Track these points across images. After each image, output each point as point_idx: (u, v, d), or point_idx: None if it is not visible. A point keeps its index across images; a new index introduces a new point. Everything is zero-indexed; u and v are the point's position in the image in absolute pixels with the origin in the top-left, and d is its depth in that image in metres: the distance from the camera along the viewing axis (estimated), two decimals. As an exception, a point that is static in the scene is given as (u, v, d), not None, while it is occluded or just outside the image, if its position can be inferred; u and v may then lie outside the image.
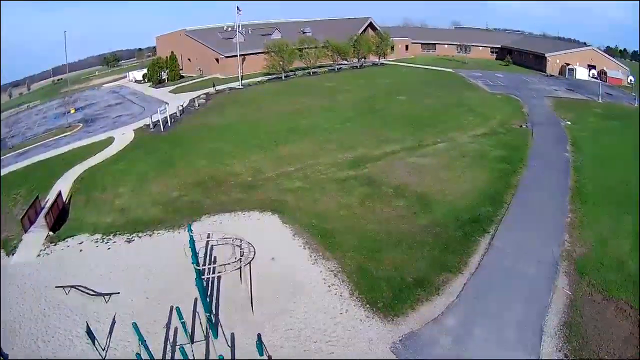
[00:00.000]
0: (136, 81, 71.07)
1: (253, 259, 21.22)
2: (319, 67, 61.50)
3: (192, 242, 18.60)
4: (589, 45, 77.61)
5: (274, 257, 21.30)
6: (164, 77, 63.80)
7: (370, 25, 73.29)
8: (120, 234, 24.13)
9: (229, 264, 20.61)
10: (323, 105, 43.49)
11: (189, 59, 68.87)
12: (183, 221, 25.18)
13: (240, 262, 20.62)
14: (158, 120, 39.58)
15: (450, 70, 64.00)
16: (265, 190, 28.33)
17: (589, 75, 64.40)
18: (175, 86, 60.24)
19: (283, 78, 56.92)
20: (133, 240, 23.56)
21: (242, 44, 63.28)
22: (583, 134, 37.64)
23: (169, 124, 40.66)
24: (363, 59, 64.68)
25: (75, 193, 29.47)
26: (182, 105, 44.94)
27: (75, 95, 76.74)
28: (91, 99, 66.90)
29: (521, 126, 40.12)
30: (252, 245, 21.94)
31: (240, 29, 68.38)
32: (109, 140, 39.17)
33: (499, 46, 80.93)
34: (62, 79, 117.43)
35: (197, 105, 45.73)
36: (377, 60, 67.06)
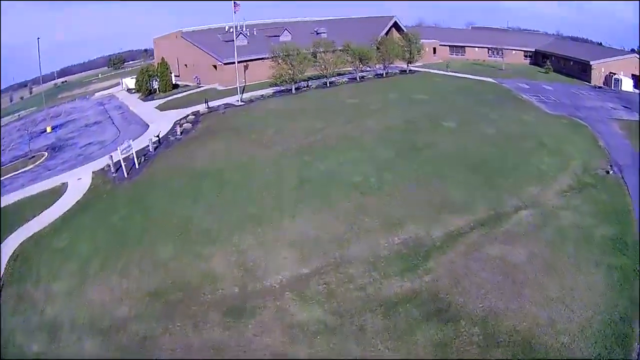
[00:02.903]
0: (128, 90, 57.27)
1: None
2: (337, 74, 46.61)
3: None
4: (635, 52, 62.19)
5: None
6: (155, 87, 49.97)
7: (395, 25, 58.14)
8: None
9: None
10: (347, 136, 28.91)
11: (186, 65, 54.65)
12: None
13: None
14: (120, 163, 26.05)
15: (491, 80, 48.75)
16: (261, 326, 14.77)
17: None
18: (165, 99, 45.96)
19: (293, 91, 42.20)
20: None
21: (245, 47, 48.89)
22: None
23: (136, 165, 27.09)
24: (389, 65, 49.68)
25: (8, 282, 18.78)
26: (157, 137, 31.11)
27: (62, 106, 63.68)
28: (74, 113, 53.68)
29: (608, 172, 26.21)
30: None
31: (243, 29, 54.08)
32: (60, 190, 25.96)
33: (533, 50, 65.43)
34: (65, 81, 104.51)
35: (179, 133, 31.87)
36: (406, 66, 51.64)
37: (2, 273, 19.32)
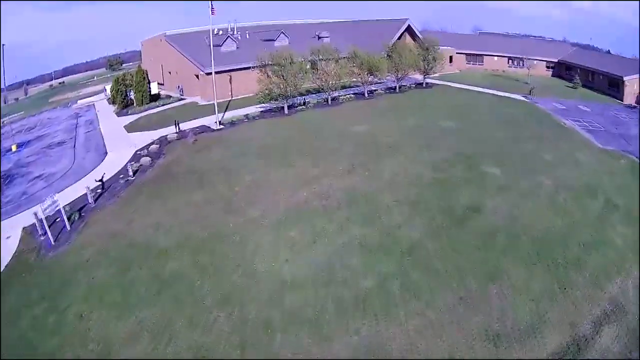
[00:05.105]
0: (109, 98, 47.80)
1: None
2: (342, 87, 36.08)
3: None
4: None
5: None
6: (132, 98, 40.45)
7: (408, 30, 47.13)
8: None
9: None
10: (354, 192, 18.69)
11: (170, 72, 44.89)
12: None
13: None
14: (56, 216, 17.24)
15: (521, 97, 38.23)
16: None
17: None
18: (140, 115, 35.95)
19: (285, 110, 31.74)
20: None
21: (232, 54, 38.73)
22: None
23: (68, 227, 17.90)
24: (402, 77, 38.66)
25: None
26: (100, 180, 21.23)
27: (43, 115, 53.87)
28: (48, 127, 44.13)
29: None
30: None
31: (234, 32, 44.17)
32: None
33: (556, 60, 55.07)
34: (63, 82, 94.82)
35: (131, 173, 22.19)
36: (421, 78, 40.78)
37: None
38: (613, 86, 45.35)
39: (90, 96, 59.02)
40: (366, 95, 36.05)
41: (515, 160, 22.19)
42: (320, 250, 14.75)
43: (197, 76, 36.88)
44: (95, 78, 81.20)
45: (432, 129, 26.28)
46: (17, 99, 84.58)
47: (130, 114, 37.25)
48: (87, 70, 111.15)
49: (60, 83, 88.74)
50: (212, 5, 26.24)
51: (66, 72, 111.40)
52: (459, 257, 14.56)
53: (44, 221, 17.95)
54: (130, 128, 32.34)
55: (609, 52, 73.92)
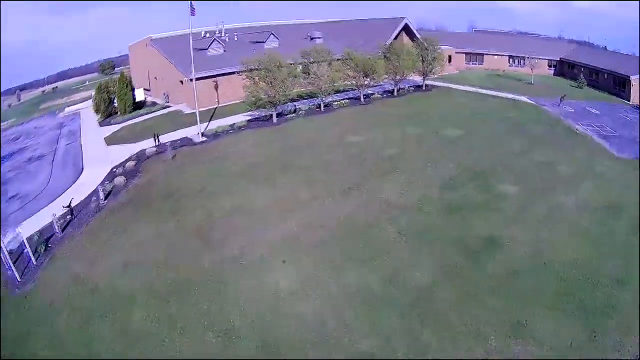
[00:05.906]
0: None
1: None
2: (335, 91, 33.37)
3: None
4: None
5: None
6: (116, 107, 37.61)
7: (406, 29, 44.11)
8: None
9: None
10: (349, 222, 15.92)
11: (155, 78, 42.01)
12: None
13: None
14: (21, 249, 15.35)
15: (527, 100, 35.16)
16: None
17: None
18: (121, 125, 33.04)
19: (274, 119, 28.66)
20: None
21: (218, 57, 35.66)
22: None
23: (33, 261, 15.39)
24: (401, 79, 35.49)
25: None
26: (68, 206, 18.50)
27: (31, 123, 51.05)
28: (32, 137, 41.31)
29: None
30: None
31: (222, 34, 41.21)
32: None
33: (558, 59, 52.21)
34: (56, 88, 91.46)
35: (102, 197, 19.41)
36: (420, 80, 37.63)
37: None
38: (619, 85, 42.78)
39: (79, 102, 56.36)
40: (362, 100, 33.03)
41: (530, 176, 19.44)
42: (309, 301, 12.08)
43: (182, 82, 34.08)
44: (87, 83, 78.13)
45: (435, 138, 23.43)
46: (10, 105, 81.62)
47: (112, 124, 34.41)
48: (82, 74, 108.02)
49: (53, 88, 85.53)
50: (191, 5, 23.42)
51: (60, 76, 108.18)
52: (476, 306, 11.92)
53: (8, 257, 15.58)
54: (110, 140, 29.52)
55: (605, 48, 71.43)
